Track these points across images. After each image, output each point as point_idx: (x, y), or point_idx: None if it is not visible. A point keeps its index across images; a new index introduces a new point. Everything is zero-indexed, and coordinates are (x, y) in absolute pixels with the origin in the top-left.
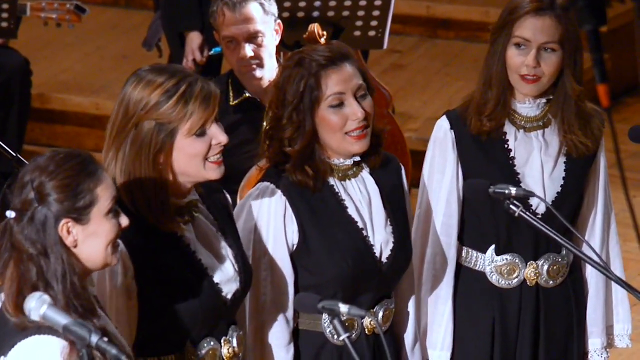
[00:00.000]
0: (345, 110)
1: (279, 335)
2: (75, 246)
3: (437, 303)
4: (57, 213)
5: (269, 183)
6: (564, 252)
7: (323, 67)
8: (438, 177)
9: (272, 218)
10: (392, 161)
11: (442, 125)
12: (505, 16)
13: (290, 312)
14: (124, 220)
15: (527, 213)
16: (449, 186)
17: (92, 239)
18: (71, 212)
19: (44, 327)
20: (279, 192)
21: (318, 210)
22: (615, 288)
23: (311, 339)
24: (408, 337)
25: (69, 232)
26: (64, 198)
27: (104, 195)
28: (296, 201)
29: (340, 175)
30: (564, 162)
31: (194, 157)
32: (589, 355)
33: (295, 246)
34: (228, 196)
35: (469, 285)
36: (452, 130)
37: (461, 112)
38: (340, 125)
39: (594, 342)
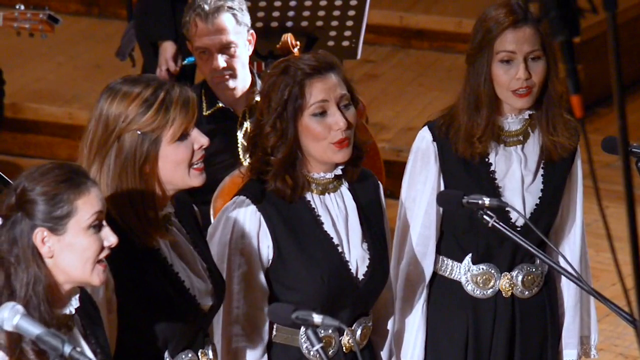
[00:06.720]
0: (328, 119)
1: (252, 350)
2: (51, 257)
3: (410, 312)
4: (33, 221)
5: (244, 197)
6: (537, 262)
7: (308, 76)
8: (419, 188)
9: (246, 232)
10: (370, 177)
11: (425, 137)
12: (482, 36)
13: (265, 327)
14: (112, 239)
15: (501, 224)
16: (429, 197)
17: (69, 252)
18: (47, 221)
19: None
20: (253, 207)
21: (294, 226)
22: (589, 298)
23: (286, 353)
24: (384, 355)
25: (43, 242)
26: (41, 206)
27: (85, 209)
28: (272, 217)
29: (320, 189)
30: (542, 175)
31: (179, 164)
32: None
33: (270, 262)
34: (196, 208)
35: (444, 294)
36: (434, 143)
37: (443, 126)
38: (324, 135)
39: (570, 353)
